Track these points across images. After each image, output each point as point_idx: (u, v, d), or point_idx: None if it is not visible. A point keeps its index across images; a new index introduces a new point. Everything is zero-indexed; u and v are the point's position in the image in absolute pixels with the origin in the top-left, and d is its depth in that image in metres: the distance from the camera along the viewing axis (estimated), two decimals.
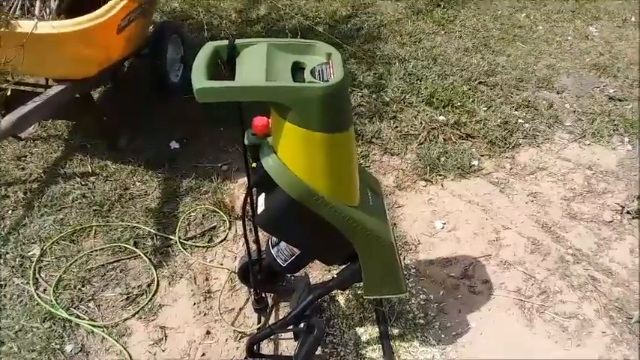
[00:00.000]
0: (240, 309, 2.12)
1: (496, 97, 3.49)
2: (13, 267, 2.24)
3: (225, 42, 1.39)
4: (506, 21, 4.57)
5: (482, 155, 3.00)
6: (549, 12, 4.78)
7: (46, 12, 2.39)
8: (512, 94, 3.55)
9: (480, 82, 3.63)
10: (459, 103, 3.36)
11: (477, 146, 3.06)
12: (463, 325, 2.08)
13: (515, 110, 3.39)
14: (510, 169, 2.92)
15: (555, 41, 4.28)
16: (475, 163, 2.93)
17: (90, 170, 2.75)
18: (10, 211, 2.50)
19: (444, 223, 2.55)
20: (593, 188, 2.80)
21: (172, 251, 2.35)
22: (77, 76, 2.52)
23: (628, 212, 2.62)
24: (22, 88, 2.63)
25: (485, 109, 3.36)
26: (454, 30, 4.37)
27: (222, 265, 2.30)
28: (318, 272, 2.25)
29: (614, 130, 3.24)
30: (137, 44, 2.91)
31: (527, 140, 3.15)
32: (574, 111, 3.43)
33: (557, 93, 3.62)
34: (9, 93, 2.29)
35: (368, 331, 2.04)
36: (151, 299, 2.14)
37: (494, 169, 2.92)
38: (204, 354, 1.96)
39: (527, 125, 3.26)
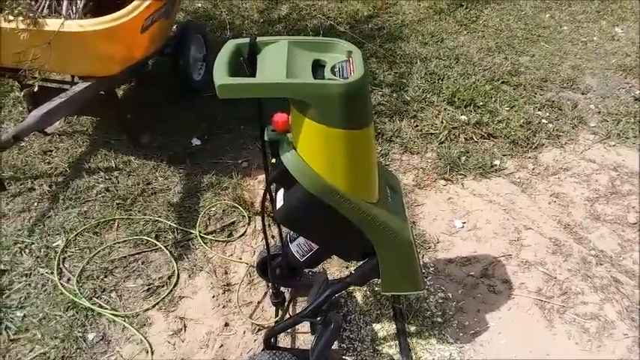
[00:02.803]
0: (259, 302, 2.14)
1: (519, 97, 3.45)
2: (38, 257, 2.29)
3: (247, 40, 1.40)
4: (530, 21, 4.52)
5: (504, 155, 2.97)
6: (574, 12, 4.70)
7: (72, 11, 2.45)
8: (535, 94, 3.50)
9: (502, 82, 3.60)
10: (481, 103, 3.33)
11: (498, 146, 3.03)
12: (482, 324, 2.06)
13: (539, 110, 3.34)
14: (533, 169, 2.89)
15: (580, 42, 4.22)
16: (497, 162, 2.90)
17: (113, 165, 2.80)
18: (35, 204, 2.56)
19: (464, 223, 2.53)
20: (618, 190, 2.75)
21: (193, 245, 2.39)
22: (102, 74, 2.57)
23: None
24: (48, 84, 2.69)
25: (507, 109, 3.32)
26: (477, 30, 4.33)
27: (241, 259, 2.33)
28: (336, 268, 2.26)
29: (639, 132, 3.18)
30: (160, 43, 2.95)
31: (551, 140, 3.10)
32: (599, 112, 3.37)
33: (582, 93, 3.56)
34: (36, 89, 2.37)
35: (385, 328, 2.04)
36: (171, 291, 2.17)
37: (516, 169, 2.88)
38: (222, 345, 1.98)
39: (550, 125, 3.22)
